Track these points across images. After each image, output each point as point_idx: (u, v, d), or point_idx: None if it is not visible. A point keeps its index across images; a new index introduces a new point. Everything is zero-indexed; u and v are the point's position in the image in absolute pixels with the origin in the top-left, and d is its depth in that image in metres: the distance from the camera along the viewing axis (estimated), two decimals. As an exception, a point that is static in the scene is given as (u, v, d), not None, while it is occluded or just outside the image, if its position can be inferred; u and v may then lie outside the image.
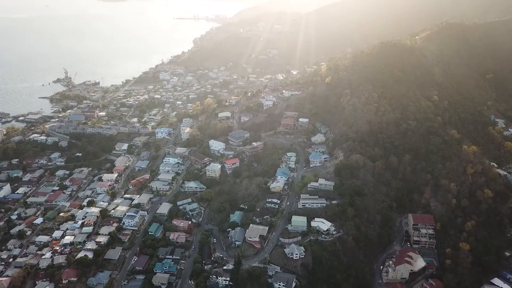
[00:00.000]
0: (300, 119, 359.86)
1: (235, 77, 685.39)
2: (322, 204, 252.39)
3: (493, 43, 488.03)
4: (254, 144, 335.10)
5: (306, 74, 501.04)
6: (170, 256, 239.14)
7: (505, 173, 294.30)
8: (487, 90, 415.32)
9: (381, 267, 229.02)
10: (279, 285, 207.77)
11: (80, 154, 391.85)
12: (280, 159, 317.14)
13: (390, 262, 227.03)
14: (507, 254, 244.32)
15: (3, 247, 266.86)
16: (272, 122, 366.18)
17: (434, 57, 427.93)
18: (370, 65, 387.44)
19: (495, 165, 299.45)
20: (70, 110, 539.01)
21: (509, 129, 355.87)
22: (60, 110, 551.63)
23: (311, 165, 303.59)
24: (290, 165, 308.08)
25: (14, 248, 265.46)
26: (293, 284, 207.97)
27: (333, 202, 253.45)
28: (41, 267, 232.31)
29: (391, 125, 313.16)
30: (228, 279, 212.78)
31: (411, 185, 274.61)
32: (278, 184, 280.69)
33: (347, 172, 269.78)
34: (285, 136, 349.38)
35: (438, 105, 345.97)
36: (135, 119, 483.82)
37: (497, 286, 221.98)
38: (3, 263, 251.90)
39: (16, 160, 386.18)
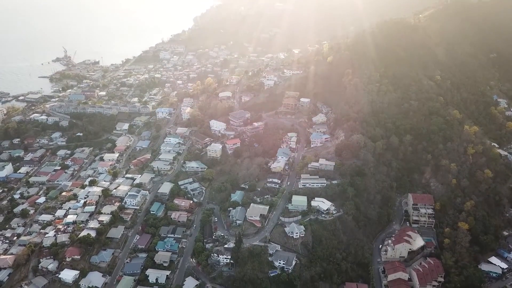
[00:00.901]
0: (302, 99, 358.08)
1: (236, 56, 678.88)
2: (322, 184, 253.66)
3: (498, 21, 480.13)
4: (255, 124, 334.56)
5: (308, 53, 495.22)
6: (172, 235, 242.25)
7: (505, 153, 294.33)
8: (491, 70, 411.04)
9: (380, 246, 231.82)
10: (279, 263, 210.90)
11: (81, 134, 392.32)
12: (281, 139, 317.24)
13: (390, 241, 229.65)
14: (505, 233, 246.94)
15: (7, 226, 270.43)
16: (273, 102, 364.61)
17: (437, 36, 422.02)
18: (373, 44, 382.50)
19: (496, 145, 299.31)
20: (70, 90, 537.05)
21: (511, 109, 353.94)
22: (60, 89, 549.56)
23: (312, 145, 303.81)
24: (291, 145, 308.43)
25: (18, 226, 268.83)
26: (293, 262, 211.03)
27: (334, 182, 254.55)
28: (44, 246, 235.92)
29: (392, 105, 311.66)
30: (229, 257, 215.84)
31: (411, 165, 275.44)
32: (278, 164, 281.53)
33: (348, 152, 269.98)
34: (286, 116, 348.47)
35: (440, 85, 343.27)
36: (135, 99, 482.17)
37: (494, 264, 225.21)
38: (7, 241, 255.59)
39: (18, 139, 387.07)
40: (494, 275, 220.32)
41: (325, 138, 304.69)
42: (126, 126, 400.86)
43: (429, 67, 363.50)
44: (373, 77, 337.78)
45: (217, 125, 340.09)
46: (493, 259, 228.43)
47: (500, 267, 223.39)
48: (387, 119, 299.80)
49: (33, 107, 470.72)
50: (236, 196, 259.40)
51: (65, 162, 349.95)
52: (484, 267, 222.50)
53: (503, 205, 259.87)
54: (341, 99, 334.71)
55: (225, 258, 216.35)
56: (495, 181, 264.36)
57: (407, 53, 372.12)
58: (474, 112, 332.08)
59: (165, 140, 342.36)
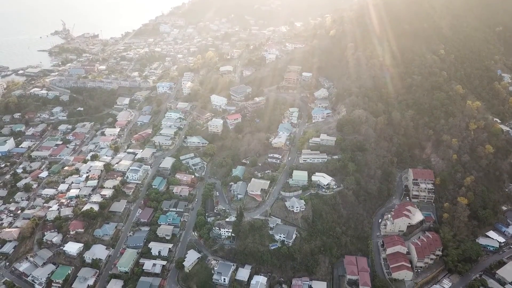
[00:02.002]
0: (304, 74, 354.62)
1: (237, 29, 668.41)
2: (323, 159, 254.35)
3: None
4: (257, 99, 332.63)
5: (310, 27, 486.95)
6: (174, 209, 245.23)
7: (507, 128, 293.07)
8: (496, 44, 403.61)
9: (379, 220, 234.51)
10: (280, 236, 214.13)
11: (82, 109, 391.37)
12: (283, 115, 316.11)
13: (389, 215, 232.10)
14: (504, 208, 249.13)
15: (11, 200, 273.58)
16: (275, 77, 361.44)
17: (442, 8, 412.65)
18: (377, 17, 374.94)
19: (498, 121, 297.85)
20: (69, 64, 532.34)
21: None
22: (60, 63, 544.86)
23: (313, 120, 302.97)
24: (292, 121, 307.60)
25: (22, 200, 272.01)
26: (294, 236, 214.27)
27: (334, 157, 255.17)
28: (48, 219, 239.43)
29: (395, 80, 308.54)
30: (230, 230, 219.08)
31: (412, 141, 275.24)
32: (280, 139, 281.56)
33: (349, 127, 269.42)
34: (288, 91, 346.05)
35: (444, 59, 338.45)
36: (135, 73, 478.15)
37: (492, 238, 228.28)
38: (11, 214, 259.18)
39: (18, 114, 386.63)
40: (491, 248, 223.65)
41: (327, 113, 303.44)
42: (126, 100, 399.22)
43: (433, 41, 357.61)
44: (376, 51, 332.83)
45: (218, 100, 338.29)
46: (491, 233, 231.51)
47: (498, 241, 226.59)
48: (389, 94, 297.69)
49: (33, 81, 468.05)
50: (237, 171, 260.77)
51: (67, 137, 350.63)
52: (481, 241, 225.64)
53: (503, 180, 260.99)
54: (344, 73, 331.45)
55: (226, 231, 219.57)
56: (496, 157, 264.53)
57: (411, 27, 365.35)
58: (477, 87, 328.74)
59: (166, 115, 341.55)
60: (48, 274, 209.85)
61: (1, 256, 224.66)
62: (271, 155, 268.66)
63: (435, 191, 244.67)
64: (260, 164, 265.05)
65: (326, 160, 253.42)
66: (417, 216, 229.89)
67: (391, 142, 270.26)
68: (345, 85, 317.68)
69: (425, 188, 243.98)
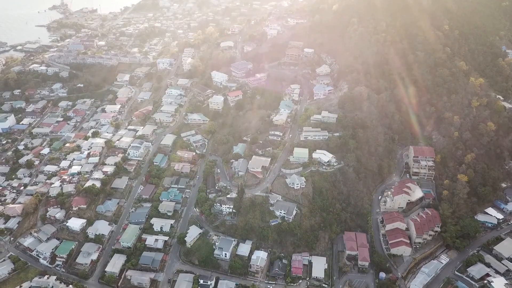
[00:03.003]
0: (305, 49, 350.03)
1: (238, 4, 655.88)
2: (324, 137, 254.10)
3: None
4: (258, 75, 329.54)
5: (312, 1, 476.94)
6: (175, 186, 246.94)
7: (510, 106, 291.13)
8: (501, 19, 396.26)
9: (379, 197, 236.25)
10: (280, 212, 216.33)
11: (82, 85, 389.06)
12: (284, 91, 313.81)
13: (389, 192, 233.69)
14: (504, 185, 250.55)
15: (13, 176, 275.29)
16: (276, 52, 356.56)
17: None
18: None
19: (501, 98, 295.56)
20: (68, 39, 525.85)
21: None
22: (58, 39, 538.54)
23: (315, 98, 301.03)
24: (293, 97, 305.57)
25: (24, 177, 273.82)
26: (294, 212, 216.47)
27: (336, 134, 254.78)
28: (51, 195, 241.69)
29: (398, 56, 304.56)
30: (232, 207, 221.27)
31: (414, 118, 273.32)
32: (281, 116, 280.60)
33: (351, 104, 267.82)
34: (289, 67, 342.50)
35: (448, 35, 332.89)
36: (135, 49, 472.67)
37: (491, 215, 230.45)
38: (14, 191, 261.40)
39: (18, 90, 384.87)
40: (490, 225, 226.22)
41: (329, 90, 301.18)
42: (127, 77, 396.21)
43: (438, 17, 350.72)
44: (379, 27, 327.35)
45: (218, 77, 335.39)
46: (490, 210, 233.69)
47: (496, 218, 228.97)
48: (391, 70, 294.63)
49: (31, 57, 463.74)
50: (238, 148, 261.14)
51: (67, 114, 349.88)
52: (480, 217, 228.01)
53: (504, 157, 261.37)
54: (346, 49, 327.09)
55: (227, 207, 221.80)
56: (497, 134, 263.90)
57: (416, 1, 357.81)
58: (481, 63, 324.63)
59: (166, 91, 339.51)
60: (52, 249, 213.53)
61: (5, 232, 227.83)
62: (272, 132, 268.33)
63: (435, 168, 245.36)
64: (261, 142, 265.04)
65: (327, 137, 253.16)
66: (417, 193, 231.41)
67: (392, 119, 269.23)
68: (347, 62, 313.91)
69: (426, 166, 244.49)
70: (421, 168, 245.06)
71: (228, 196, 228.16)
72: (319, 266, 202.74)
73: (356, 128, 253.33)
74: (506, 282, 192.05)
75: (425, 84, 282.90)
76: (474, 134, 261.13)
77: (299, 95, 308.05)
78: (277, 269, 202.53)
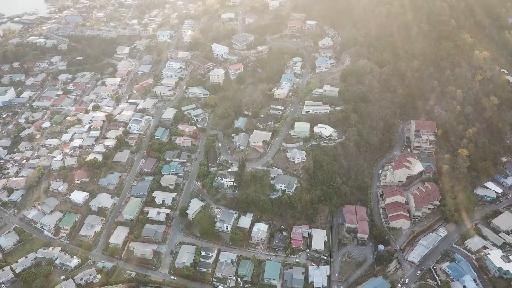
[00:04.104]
0: (308, 22, 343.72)
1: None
2: (325, 110, 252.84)
3: None
4: (259, 48, 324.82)
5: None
6: (177, 159, 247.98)
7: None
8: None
9: (380, 171, 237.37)
10: (281, 186, 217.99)
11: (81, 58, 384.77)
12: (286, 64, 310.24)
13: (389, 166, 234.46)
14: (504, 159, 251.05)
15: (15, 150, 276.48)
16: (278, 24, 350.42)
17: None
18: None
19: (505, 72, 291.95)
20: (66, 11, 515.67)
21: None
22: (56, 10, 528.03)
23: (317, 71, 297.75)
24: (295, 71, 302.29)
25: (26, 150, 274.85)
26: (294, 186, 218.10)
27: (337, 108, 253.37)
28: (53, 169, 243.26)
29: (402, 29, 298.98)
30: (233, 180, 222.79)
31: (417, 92, 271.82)
32: (282, 90, 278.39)
33: (353, 78, 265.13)
34: (291, 40, 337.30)
35: (454, 6, 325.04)
36: (135, 21, 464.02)
37: (490, 189, 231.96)
38: (17, 164, 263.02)
39: (17, 63, 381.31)
40: (489, 199, 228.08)
41: (331, 63, 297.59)
42: (126, 49, 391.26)
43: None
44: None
45: (219, 49, 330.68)
46: (489, 184, 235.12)
47: (495, 192, 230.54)
48: (395, 43, 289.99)
49: (29, 29, 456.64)
50: (239, 123, 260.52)
51: (67, 87, 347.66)
52: (479, 191, 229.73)
53: (505, 132, 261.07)
54: (349, 21, 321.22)
55: (229, 181, 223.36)
56: (500, 108, 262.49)
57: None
58: (486, 36, 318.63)
59: (166, 64, 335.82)
60: (56, 221, 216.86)
61: (9, 204, 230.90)
62: (274, 106, 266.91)
63: (437, 142, 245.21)
64: (262, 116, 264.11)
65: (328, 111, 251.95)
66: (417, 167, 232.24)
67: (395, 93, 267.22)
68: (350, 34, 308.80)
69: (427, 140, 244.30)
70: (422, 142, 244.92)
71: (229, 170, 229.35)
72: (319, 239, 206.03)
73: (358, 102, 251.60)
74: (503, 254, 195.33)
75: (428, 58, 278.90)
76: (477, 109, 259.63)
77: (301, 68, 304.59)
78: (277, 241, 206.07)
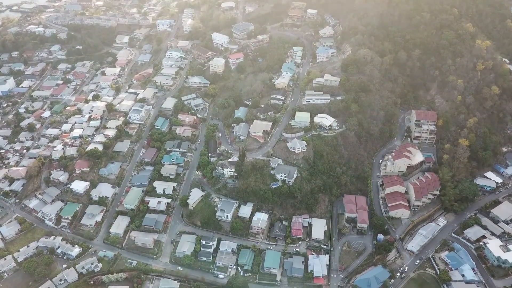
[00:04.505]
0: (309, 10, 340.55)
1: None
2: (326, 100, 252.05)
3: None
4: (259, 37, 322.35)
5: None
6: (177, 149, 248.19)
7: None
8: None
9: (380, 161, 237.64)
10: (281, 176, 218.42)
11: (80, 47, 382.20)
12: (286, 54, 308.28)
13: (390, 156, 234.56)
14: (504, 149, 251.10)
15: (16, 139, 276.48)
16: (279, 13, 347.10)
17: None
18: None
19: (507, 61, 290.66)
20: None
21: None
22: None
23: (317, 60, 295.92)
24: (296, 60, 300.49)
25: (26, 140, 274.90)
26: (294, 176, 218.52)
27: (338, 98, 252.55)
28: (54, 158, 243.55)
29: (403, 18, 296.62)
30: (233, 170, 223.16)
31: (418, 82, 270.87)
32: (283, 80, 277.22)
33: (354, 67, 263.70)
34: (292, 29, 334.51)
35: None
36: (134, 10, 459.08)
37: (490, 179, 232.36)
38: (17, 154, 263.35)
39: (16, 52, 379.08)
40: (488, 189, 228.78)
41: (332, 53, 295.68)
42: (126, 39, 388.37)
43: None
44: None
45: (219, 38, 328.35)
46: (489, 174, 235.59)
47: (495, 182, 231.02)
48: (396, 32, 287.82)
49: (28, 18, 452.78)
50: (240, 112, 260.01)
51: (67, 76, 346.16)
52: (479, 181, 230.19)
53: (506, 122, 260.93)
54: (350, 10, 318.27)
55: (229, 171, 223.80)
56: (501, 98, 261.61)
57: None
58: (488, 25, 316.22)
59: (166, 54, 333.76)
60: (57, 211, 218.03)
61: (11, 194, 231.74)
62: (274, 96, 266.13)
63: (437, 132, 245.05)
64: (262, 106, 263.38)
65: (329, 101, 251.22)
66: (418, 157, 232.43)
67: (395, 83, 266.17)
68: (351, 23, 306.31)
69: (427, 130, 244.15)
70: (422, 132, 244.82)
71: (230, 160, 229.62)
72: (319, 228, 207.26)
73: (359, 92, 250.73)
74: (501, 243, 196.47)
75: (430, 47, 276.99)
76: (478, 98, 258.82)
77: (301, 57, 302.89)
78: (277, 231, 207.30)
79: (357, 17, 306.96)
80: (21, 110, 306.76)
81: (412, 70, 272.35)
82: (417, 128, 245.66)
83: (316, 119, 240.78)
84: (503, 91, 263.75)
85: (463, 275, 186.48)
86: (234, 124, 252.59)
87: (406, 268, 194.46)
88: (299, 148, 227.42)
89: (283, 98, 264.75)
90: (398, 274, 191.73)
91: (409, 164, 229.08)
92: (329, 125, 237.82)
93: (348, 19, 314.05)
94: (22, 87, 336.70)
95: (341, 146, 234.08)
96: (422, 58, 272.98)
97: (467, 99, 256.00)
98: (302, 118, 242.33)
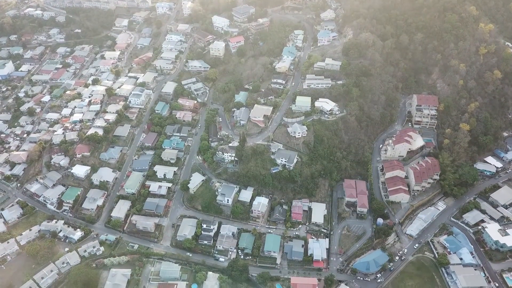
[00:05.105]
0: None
1: None
2: (327, 85, 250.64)
3: None
4: (260, 20, 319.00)
5: None
6: (178, 134, 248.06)
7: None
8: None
9: (380, 146, 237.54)
10: (281, 160, 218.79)
11: (79, 31, 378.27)
12: (287, 37, 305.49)
13: (390, 141, 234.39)
14: (505, 134, 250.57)
15: (16, 124, 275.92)
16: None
17: None
18: None
19: (510, 45, 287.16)
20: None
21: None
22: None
23: (319, 44, 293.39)
24: (297, 44, 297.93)
25: (26, 124, 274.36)
26: (295, 160, 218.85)
27: (339, 82, 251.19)
28: (54, 143, 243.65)
29: (406, 0, 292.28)
30: (234, 155, 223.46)
31: (419, 66, 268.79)
32: (284, 64, 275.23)
33: (355, 51, 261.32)
34: (293, 12, 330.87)
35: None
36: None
37: (490, 163, 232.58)
38: (18, 138, 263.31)
39: (15, 36, 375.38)
40: (488, 173, 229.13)
41: (333, 36, 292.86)
42: (125, 22, 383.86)
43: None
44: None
45: (220, 21, 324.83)
46: (489, 159, 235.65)
47: (495, 166, 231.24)
48: (398, 15, 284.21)
49: (26, 1, 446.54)
50: (240, 97, 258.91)
51: (66, 60, 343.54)
52: (479, 166, 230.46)
53: (508, 106, 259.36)
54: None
55: (229, 155, 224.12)
56: (503, 82, 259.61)
57: None
58: (492, 8, 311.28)
59: (166, 37, 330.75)
60: (59, 195, 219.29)
61: (12, 178, 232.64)
62: (275, 80, 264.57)
63: (438, 117, 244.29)
64: (263, 90, 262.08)
65: (330, 85, 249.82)
66: (418, 141, 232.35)
67: (397, 67, 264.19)
68: (353, 6, 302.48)
69: (428, 114, 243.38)
70: (423, 117, 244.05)
71: (230, 144, 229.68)
72: (319, 212, 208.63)
73: (360, 76, 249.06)
74: (500, 228, 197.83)
75: (432, 30, 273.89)
76: (480, 83, 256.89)
77: (302, 41, 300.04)
78: (277, 214, 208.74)
79: (359, 0, 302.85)
80: (21, 94, 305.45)
81: (414, 54, 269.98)
82: (418, 113, 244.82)
83: (317, 104, 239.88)
84: (505, 75, 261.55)
85: (461, 259, 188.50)
86: (235, 109, 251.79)
87: (405, 250, 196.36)
88: (299, 132, 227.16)
89: (283, 82, 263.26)
90: (397, 257, 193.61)
91: (409, 149, 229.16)
92: (330, 110, 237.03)
93: (350, 2, 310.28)
94: (21, 71, 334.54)
95: (342, 130, 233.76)
96: (424, 41, 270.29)
97: (469, 83, 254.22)
98: (303, 102, 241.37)
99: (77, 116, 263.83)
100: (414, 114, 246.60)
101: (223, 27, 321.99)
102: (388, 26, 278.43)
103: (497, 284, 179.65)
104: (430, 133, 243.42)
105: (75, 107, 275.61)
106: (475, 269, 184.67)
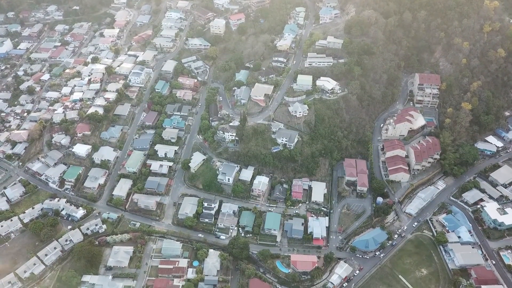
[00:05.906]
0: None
1: None
2: (329, 63, 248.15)
3: None
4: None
5: None
6: (178, 113, 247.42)
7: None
8: None
9: (381, 125, 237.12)
10: (282, 140, 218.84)
11: (77, 8, 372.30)
12: (289, 15, 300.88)
13: (391, 120, 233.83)
14: (507, 113, 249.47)
15: (16, 102, 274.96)
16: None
17: None
18: None
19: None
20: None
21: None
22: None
23: (320, 22, 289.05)
24: (298, 21, 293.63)
25: (26, 103, 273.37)
26: (295, 140, 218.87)
27: (341, 60, 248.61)
28: (55, 122, 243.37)
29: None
30: (234, 134, 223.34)
31: (422, 44, 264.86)
32: (285, 41, 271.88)
33: (358, 29, 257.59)
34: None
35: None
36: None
37: (490, 143, 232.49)
38: (18, 117, 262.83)
39: (12, 13, 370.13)
40: (489, 153, 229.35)
41: (335, 14, 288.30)
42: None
43: None
44: None
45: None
46: (490, 138, 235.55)
47: (495, 146, 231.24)
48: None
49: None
50: (241, 75, 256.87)
51: (65, 38, 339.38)
52: (480, 145, 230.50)
53: (510, 85, 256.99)
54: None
55: (230, 135, 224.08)
56: (506, 61, 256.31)
57: None
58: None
59: (166, 15, 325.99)
60: (60, 174, 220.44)
61: (13, 157, 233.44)
62: (276, 58, 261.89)
63: (440, 96, 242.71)
64: (264, 68, 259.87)
65: (331, 64, 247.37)
66: (419, 121, 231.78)
67: (399, 45, 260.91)
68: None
69: (430, 93, 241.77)
70: (425, 96, 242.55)
71: (231, 124, 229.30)
72: (319, 191, 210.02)
73: (362, 54, 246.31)
74: (498, 206, 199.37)
75: (436, 8, 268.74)
76: (483, 61, 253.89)
77: (304, 18, 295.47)
78: (277, 193, 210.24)
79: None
80: (20, 73, 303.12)
81: (417, 32, 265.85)
82: (420, 92, 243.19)
83: (318, 83, 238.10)
84: (509, 54, 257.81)
85: (459, 237, 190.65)
86: (235, 88, 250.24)
87: (405, 227, 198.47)
88: (300, 112, 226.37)
89: (285, 60, 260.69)
90: (396, 235, 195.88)
91: (410, 128, 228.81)
92: (331, 89, 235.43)
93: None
94: (19, 49, 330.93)
95: (343, 110, 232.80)
96: (428, 19, 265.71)
97: (472, 62, 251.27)
98: (304, 81, 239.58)
99: (77, 95, 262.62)
100: (416, 93, 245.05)
101: (223, 4, 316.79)
102: (391, 3, 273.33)
103: (494, 262, 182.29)
104: (432, 112, 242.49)
105: (74, 85, 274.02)
106: (473, 247, 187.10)
